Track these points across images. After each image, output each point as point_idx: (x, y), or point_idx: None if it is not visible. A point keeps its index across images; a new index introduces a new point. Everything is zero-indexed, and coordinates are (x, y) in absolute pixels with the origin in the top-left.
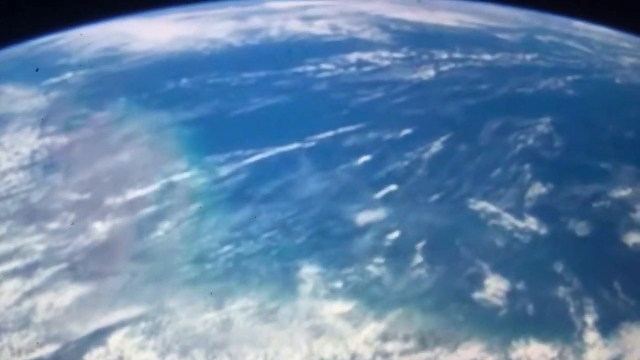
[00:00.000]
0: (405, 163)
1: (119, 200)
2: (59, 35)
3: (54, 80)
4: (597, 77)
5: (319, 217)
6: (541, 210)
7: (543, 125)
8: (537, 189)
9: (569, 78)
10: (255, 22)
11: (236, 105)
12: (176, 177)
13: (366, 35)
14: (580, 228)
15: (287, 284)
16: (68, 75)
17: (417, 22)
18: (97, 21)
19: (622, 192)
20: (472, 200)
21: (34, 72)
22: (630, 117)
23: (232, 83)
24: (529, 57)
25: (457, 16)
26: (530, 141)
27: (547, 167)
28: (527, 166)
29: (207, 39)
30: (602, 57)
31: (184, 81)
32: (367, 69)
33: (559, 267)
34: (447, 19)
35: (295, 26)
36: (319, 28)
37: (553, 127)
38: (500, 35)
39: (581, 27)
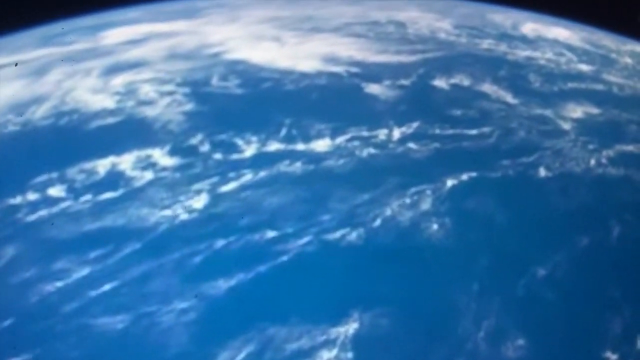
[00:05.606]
0: None
1: None
2: None
3: None
4: (503, 173)
5: None
6: None
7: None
8: None
9: (435, 196)
10: (48, 81)
11: None
12: None
13: (160, 107)
14: None
15: None
16: None
17: (262, 69)
18: None
19: None
20: None
21: None
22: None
23: None
24: (398, 133)
25: (335, 47)
26: None
27: None
28: None
29: None
30: (533, 111)
31: None
32: (105, 196)
33: None
34: (315, 56)
35: (81, 92)
36: (106, 95)
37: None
38: (370, 90)
39: (532, 34)
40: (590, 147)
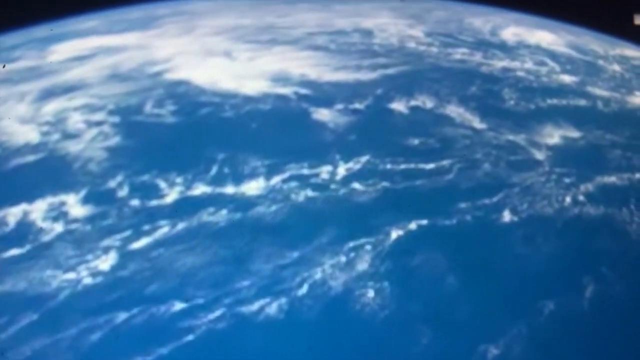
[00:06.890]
0: None
1: None
2: None
3: None
4: (459, 219)
5: None
6: None
7: None
8: None
9: None
10: None
11: None
12: None
13: (84, 141)
14: None
15: None
16: None
17: (203, 91)
18: None
19: None
20: None
21: None
22: None
23: None
24: (343, 170)
25: (289, 63)
26: None
27: None
28: None
29: None
30: (503, 138)
31: None
32: (11, 253)
33: None
34: (265, 74)
35: (10, 121)
36: (34, 126)
37: None
38: (318, 115)
39: (513, 39)
40: (567, 180)
